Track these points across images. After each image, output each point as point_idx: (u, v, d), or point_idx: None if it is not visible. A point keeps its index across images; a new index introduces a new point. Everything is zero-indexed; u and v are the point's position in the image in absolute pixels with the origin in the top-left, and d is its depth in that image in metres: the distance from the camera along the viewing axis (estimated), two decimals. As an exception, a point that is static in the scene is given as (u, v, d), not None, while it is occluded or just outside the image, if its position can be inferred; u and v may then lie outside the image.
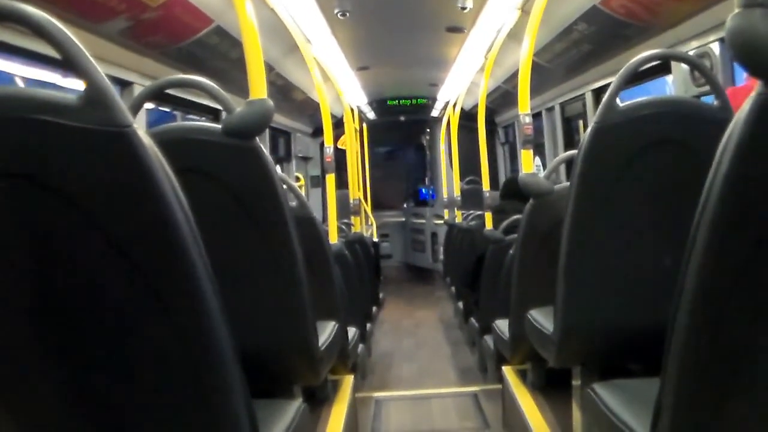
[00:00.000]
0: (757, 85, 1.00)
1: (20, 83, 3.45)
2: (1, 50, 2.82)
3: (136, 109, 2.08)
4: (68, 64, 1.08)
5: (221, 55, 4.63)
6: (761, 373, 1.19)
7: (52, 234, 1.13)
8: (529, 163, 3.35)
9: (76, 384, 1.25)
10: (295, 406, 1.84)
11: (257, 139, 1.97)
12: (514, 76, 6.47)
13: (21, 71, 3.38)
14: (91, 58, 1.10)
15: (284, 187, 2.15)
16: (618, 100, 2.04)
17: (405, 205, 12.03)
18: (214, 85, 1.98)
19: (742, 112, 1.02)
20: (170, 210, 1.13)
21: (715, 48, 3.48)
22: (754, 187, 1.05)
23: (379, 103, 10.55)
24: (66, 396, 1.27)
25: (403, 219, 11.78)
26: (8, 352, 1.22)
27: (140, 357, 1.24)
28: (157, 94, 2.19)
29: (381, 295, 8.20)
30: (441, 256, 9.57)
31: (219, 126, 1.95)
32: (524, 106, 3.42)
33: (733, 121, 1.05)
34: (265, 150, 2.00)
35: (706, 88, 3.48)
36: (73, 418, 1.28)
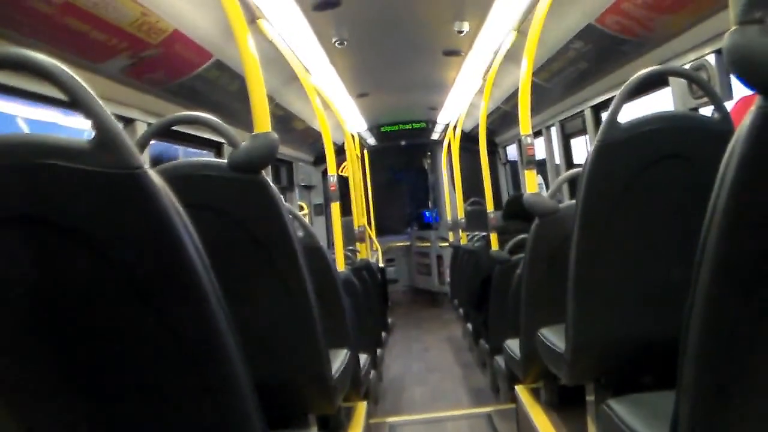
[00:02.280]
0: (756, 99, 1.01)
1: (22, 124, 3.48)
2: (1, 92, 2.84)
3: (142, 147, 2.11)
4: (78, 107, 1.11)
5: (221, 89, 4.66)
6: None
7: (67, 276, 1.15)
8: (533, 183, 3.37)
9: (92, 412, 1.26)
10: None
11: (263, 171, 1.99)
12: (513, 96, 6.51)
13: (21, 112, 3.41)
14: (100, 102, 1.12)
15: (291, 217, 2.17)
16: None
17: (409, 229, 12.03)
18: (219, 121, 2.00)
19: (743, 125, 1.04)
20: (184, 248, 1.14)
21: (712, 60, 3.50)
22: (759, 200, 1.06)
23: (379, 129, 10.58)
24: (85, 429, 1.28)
25: (408, 243, 11.77)
26: (32, 395, 1.23)
27: (158, 391, 1.25)
28: (163, 131, 2.20)
29: (390, 320, 8.19)
30: (447, 279, 9.55)
31: (224, 161, 1.96)
32: (525, 128, 3.45)
33: (735, 135, 1.06)
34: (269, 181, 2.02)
35: (704, 100, 3.50)
36: None
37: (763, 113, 1.00)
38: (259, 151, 1.97)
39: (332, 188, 4.72)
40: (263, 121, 2.19)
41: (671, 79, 3.95)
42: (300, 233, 2.91)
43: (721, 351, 1.19)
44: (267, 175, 2.00)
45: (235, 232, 1.95)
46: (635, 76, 2.06)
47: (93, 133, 1.11)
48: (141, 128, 3.85)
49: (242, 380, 1.26)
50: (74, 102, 1.10)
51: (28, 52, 1.11)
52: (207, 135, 5.02)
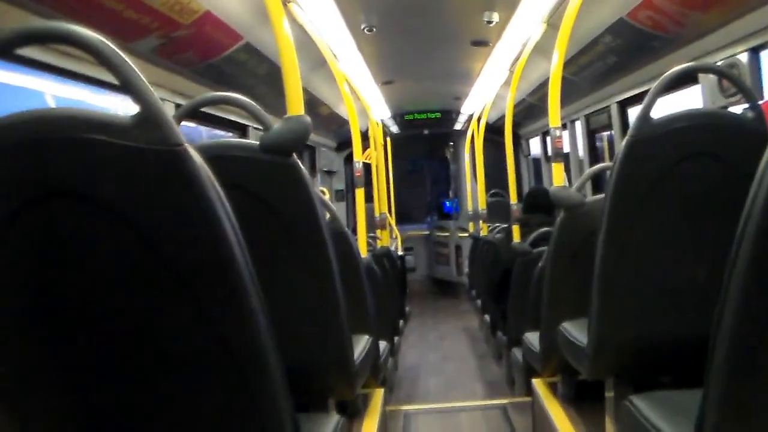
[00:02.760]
0: None
1: (50, 101, 3.50)
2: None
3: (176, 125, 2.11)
4: (124, 85, 1.12)
5: (249, 72, 4.67)
6: None
7: (104, 251, 1.16)
8: (559, 176, 3.35)
9: (124, 394, 1.28)
10: (334, 421, 1.86)
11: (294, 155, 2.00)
12: (539, 88, 6.48)
13: (49, 89, 3.43)
14: (144, 78, 1.12)
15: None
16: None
17: (429, 219, 12.03)
18: (252, 102, 2.01)
19: None
20: (221, 227, 1.15)
21: (743, 58, 3.47)
22: None
23: (402, 117, 10.56)
24: (113, 410, 1.29)
25: (428, 232, 11.77)
26: (58, 370, 1.25)
27: (188, 371, 1.26)
28: (196, 111, 2.21)
29: (407, 309, 8.21)
30: (466, 269, 9.55)
31: (255, 142, 1.97)
32: (555, 120, 3.43)
33: None
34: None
35: (734, 99, 3.47)
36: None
37: None
38: (292, 134, 1.98)
39: (357, 174, 4.72)
40: (296, 105, 2.19)
41: (701, 76, 3.91)
42: (326, 218, 2.92)
43: (752, 356, 1.18)
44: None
45: (264, 214, 1.95)
46: (671, 71, 2.04)
47: (136, 111, 1.11)
48: (168, 108, 3.86)
49: (273, 362, 1.27)
50: (120, 79, 1.12)
51: (75, 27, 1.12)
52: (233, 117, 5.03)
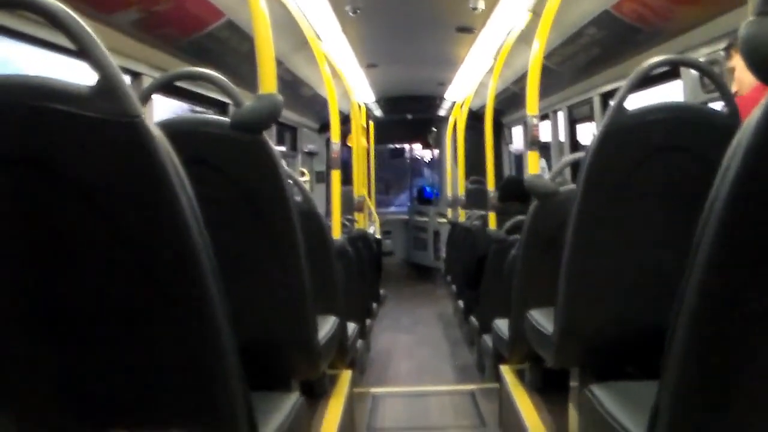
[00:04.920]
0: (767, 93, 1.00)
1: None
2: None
3: (144, 99, 2.10)
4: (82, 53, 1.10)
5: (232, 50, 4.63)
6: (761, 378, 1.20)
7: (57, 220, 1.14)
8: (535, 165, 3.36)
9: (74, 370, 1.27)
10: (292, 399, 1.85)
11: (264, 133, 1.98)
12: (522, 77, 6.45)
13: (21, 56, 3.36)
14: (104, 48, 1.11)
15: (289, 181, 2.16)
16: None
17: (409, 203, 12.03)
18: (224, 79, 1.99)
19: (751, 118, 1.03)
20: (176, 200, 1.14)
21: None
22: (760, 195, 1.06)
23: (386, 101, 10.54)
24: (64, 385, 1.28)
25: (407, 217, 11.78)
26: (8, 340, 1.24)
27: (140, 343, 1.25)
28: (167, 86, 2.19)
29: (382, 292, 8.22)
30: (443, 255, 9.57)
31: (227, 119, 1.95)
32: (532, 108, 3.42)
33: (742, 128, 1.05)
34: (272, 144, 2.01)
35: (715, 94, 3.48)
36: (71, 405, 1.30)
37: None
38: (263, 111, 1.96)
39: (334, 155, 4.71)
40: (269, 82, 2.17)
41: (683, 71, 3.93)
42: (298, 198, 2.91)
43: (707, 345, 1.19)
44: (271, 139, 1.99)
45: (232, 191, 1.94)
46: (646, 63, 2.04)
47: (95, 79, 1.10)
48: (148, 83, 3.83)
49: (225, 336, 1.26)
50: (78, 46, 1.09)
51: None
52: (214, 95, 5.00)
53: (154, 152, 1.11)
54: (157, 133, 1.12)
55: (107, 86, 1.08)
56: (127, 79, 3.70)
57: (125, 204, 1.13)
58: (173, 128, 1.87)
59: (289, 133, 8.83)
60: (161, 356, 1.26)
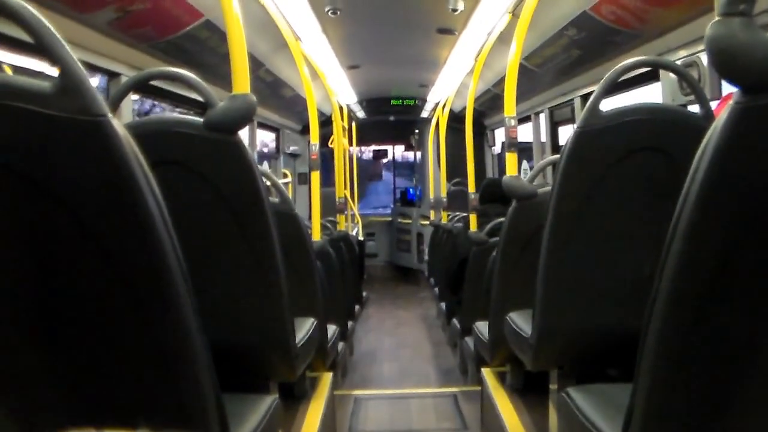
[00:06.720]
0: (735, 94, 1.00)
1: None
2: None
3: (119, 99, 2.07)
4: (42, 49, 1.06)
5: (211, 50, 4.60)
6: (732, 381, 1.20)
7: (20, 220, 1.12)
8: (513, 166, 3.36)
9: (43, 371, 1.25)
10: (268, 401, 1.84)
11: (240, 134, 1.97)
12: (504, 79, 6.49)
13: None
14: (66, 45, 1.07)
15: (267, 183, 2.14)
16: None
17: (392, 205, 12.03)
18: (197, 78, 1.98)
19: (719, 120, 1.03)
20: (143, 201, 1.12)
21: (704, 58, 3.49)
22: (728, 195, 1.05)
23: (369, 102, 10.52)
24: (32, 385, 1.27)
25: (390, 219, 11.77)
26: None
27: (109, 344, 1.23)
28: (142, 85, 2.17)
29: (365, 294, 8.21)
30: (426, 257, 9.57)
31: (200, 119, 1.94)
32: (510, 110, 3.43)
33: (711, 129, 1.05)
34: (251, 145, 1.99)
35: (693, 97, 3.49)
36: (39, 405, 1.28)
37: (740, 108, 0.99)
38: (236, 112, 1.95)
39: (313, 157, 4.70)
40: (243, 82, 2.16)
41: (662, 74, 3.94)
42: (275, 199, 2.89)
43: (679, 347, 1.19)
44: (251, 140, 1.97)
45: (206, 192, 1.92)
46: (621, 64, 2.04)
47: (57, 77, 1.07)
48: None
49: (195, 339, 1.24)
50: (37, 42, 1.06)
51: None
52: (194, 95, 4.96)
53: (118, 152, 1.08)
54: (122, 132, 1.09)
55: (69, 84, 1.05)
56: (104, 79, 3.69)
57: (90, 205, 1.11)
58: (146, 128, 1.86)
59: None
60: (130, 357, 1.25)
